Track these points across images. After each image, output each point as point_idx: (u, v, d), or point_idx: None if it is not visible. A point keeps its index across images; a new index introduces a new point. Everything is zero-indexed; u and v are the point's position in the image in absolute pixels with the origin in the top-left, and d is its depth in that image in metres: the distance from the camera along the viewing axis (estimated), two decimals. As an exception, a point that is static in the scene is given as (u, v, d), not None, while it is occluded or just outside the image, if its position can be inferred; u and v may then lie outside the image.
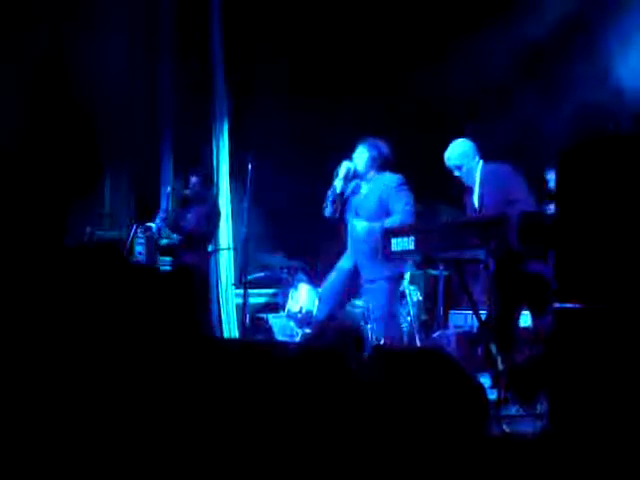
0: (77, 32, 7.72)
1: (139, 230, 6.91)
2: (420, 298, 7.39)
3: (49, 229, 7.17)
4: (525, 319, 5.35)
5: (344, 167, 5.59)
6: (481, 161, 5.15)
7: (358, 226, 5.45)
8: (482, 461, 1.76)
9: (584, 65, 6.86)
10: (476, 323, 5.37)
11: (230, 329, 7.82)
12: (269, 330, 6.33)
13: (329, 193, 5.60)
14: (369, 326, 6.94)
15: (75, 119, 7.71)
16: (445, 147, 5.27)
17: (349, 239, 5.64)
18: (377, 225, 5.32)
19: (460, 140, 5.23)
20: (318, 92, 8.35)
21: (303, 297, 6.79)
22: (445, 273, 7.30)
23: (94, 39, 7.75)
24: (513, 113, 7.34)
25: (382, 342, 6.79)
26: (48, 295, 1.86)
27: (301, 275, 7.51)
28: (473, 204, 5.11)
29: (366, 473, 1.65)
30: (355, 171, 5.58)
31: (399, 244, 4.41)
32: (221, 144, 8.84)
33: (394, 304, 5.65)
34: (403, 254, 4.52)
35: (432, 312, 7.56)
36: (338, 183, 5.56)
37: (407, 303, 6.99)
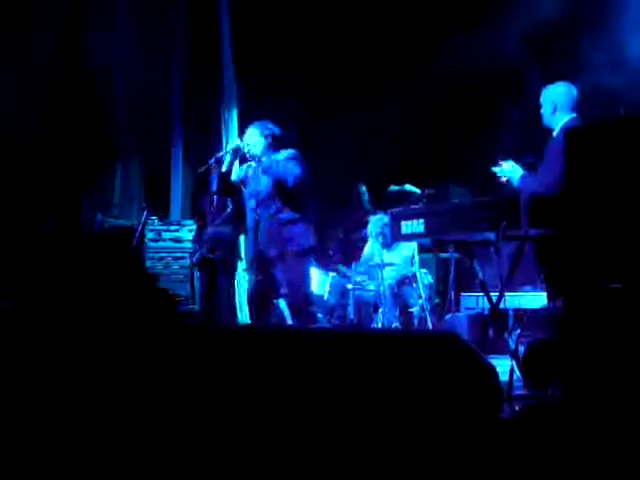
0: (92, 24, 7.78)
1: (149, 216, 6.95)
2: (431, 281, 7.40)
3: (62, 217, 7.22)
4: (540, 300, 5.33)
5: (234, 144, 5.53)
6: (568, 117, 4.59)
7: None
8: (494, 442, 1.77)
9: (596, 48, 6.79)
10: (487, 305, 5.37)
11: (243, 315, 7.87)
12: (279, 315, 6.34)
13: (215, 166, 5.46)
14: (380, 310, 6.97)
15: (88, 110, 7.76)
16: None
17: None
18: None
19: (562, 83, 4.68)
20: (329, 79, 8.34)
21: (313, 281, 6.81)
22: (456, 256, 7.30)
23: (107, 31, 7.81)
24: (524, 96, 7.30)
25: (394, 326, 6.82)
26: (63, 280, 1.87)
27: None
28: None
29: (382, 456, 1.67)
30: (248, 153, 5.44)
31: (409, 227, 4.39)
32: (230, 132, 8.86)
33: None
34: (413, 237, 4.50)
35: (444, 295, 7.57)
36: (226, 160, 5.43)
37: (418, 286, 7.00)
